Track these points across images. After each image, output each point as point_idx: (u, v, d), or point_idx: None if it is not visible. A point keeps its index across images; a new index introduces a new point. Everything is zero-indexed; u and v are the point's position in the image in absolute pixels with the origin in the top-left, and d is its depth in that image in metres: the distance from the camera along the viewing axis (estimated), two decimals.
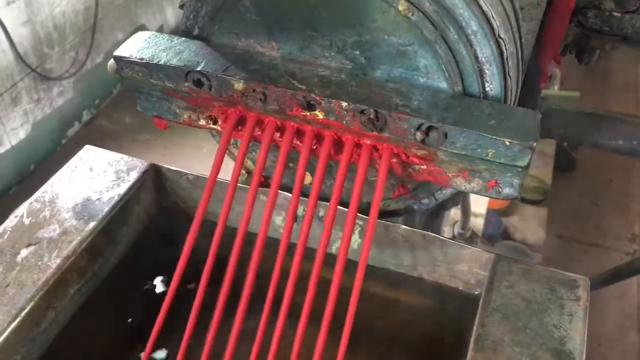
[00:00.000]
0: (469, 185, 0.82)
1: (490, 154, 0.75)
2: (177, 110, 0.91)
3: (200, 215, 0.86)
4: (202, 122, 0.91)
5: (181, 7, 0.91)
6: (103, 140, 2.96)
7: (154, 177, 1.06)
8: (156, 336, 0.89)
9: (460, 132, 0.74)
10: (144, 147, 3.00)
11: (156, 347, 0.91)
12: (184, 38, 0.89)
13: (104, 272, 0.98)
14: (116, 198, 0.99)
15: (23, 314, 0.84)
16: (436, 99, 0.78)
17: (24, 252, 0.90)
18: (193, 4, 0.87)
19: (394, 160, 0.82)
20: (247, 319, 0.84)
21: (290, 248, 0.83)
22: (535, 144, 0.73)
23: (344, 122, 0.79)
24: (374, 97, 0.79)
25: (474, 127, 0.74)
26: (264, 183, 0.99)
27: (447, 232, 2.08)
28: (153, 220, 1.07)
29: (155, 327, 0.89)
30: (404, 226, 0.95)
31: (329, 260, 0.82)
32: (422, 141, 0.76)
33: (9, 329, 0.82)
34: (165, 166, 1.07)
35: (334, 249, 0.98)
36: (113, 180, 1.02)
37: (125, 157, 1.06)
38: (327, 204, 0.82)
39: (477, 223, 2.25)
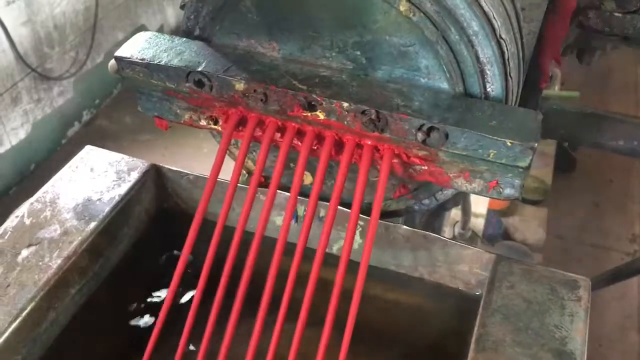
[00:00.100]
0: (470, 186, 0.82)
1: (492, 154, 0.75)
2: (178, 111, 0.91)
3: (200, 216, 0.86)
4: (203, 122, 0.91)
5: (182, 7, 0.91)
6: (103, 140, 2.96)
7: (154, 177, 1.06)
8: (157, 336, 0.89)
9: (462, 132, 0.74)
10: (144, 148, 3.00)
11: (156, 346, 0.91)
12: (184, 38, 0.89)
13: (105, 272, 0.98)
14: (117, 198, 0.99)
15: (24, 314, 0.84)
16: (437, 100, 0.78)
17: (24, 253, 0.90)
18: (194, 4, 0.87)
19: (395, 160, 0.82)
20: (248, 319, 0.84)
21: (291, 249, 0.83)
22: (536, 144, 0.73)
23: (345, 122, 0.79)
24: (375, 98, 0.79)
25: (475, 127, 0.74)
26: (264, 183, 0.99)
27: (447, 232, 2.07)
28: (154, 221, 1.07)
29: (155, 327, 0.89)
30: (404, 226, 0.95)
31: (328, 260, 0.82)
32: (424, 142, 0.76)
33: (10, 329, 0.82)
34: (166, 166, 1.07)
35: (334, 249, 0.98)
36: (114, 181, 1.02)
37: (126, 157, 1.07)
38: (328, 204, 0.82)
39: (478, 223, 2.25)
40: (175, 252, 1.08)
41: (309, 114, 0.80)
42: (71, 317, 0.92)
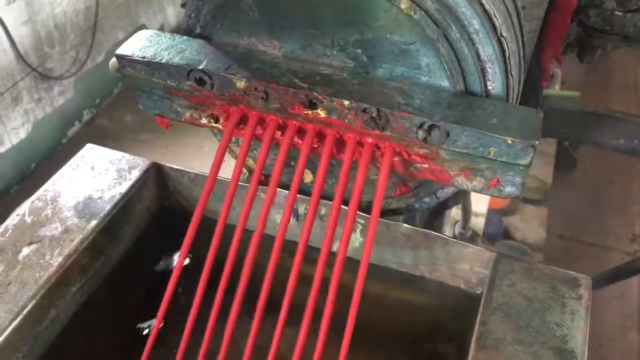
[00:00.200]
0: (470, 184, 0.82)
1: (492, 152, 0.75)
2: (179, 109, 0.91)
3: (199, 214, 0.86)
4: (204, 120, 0.91)
5: (183, 5, 0.91)
6: (104, 139, 2.96)
7: (155, 175, 1.06)
8: (156, 334, 0.89)
9: (462, 130, 0.74)
10: (145, 147, 3.00)
11: (156, 345, 0.91)
12: (185, 37, 0.89)
13: (106, 270, 0.98)
14: (118, 196, 0.99)
15: (25, 312, 0.84)
16: (438, 98, 0.78)
17: (25, 251, 0.90)
18: (195, 2, 0.87)
19: (396, 158, 0.82)
20: (248, 319, 0.84)
21: (291, 247, 0.83)
22: (537, 142, 0.73)
23: (346, 120, 0.79)
24: (376, 96, 0.79)
25: (475, 125, 0.74)
26: (264, 181, 0.99)
27: (447, 231, 2.08)
28: (155, 219, 1.08)
29: (154, 327, 0.89)
30: (405, 225, 0.95)
31: (329, 259, 0.82)
32: (424, 140, 0.76)
33: (11, 327, 0.82)
34: (167, 164, 1.07)
35: (335, 248, 0.98)
36: (115, 179, 1.02)
37: (126, 155, 1.07)
38: (329, 202, 0.82)
39: (478, 222, 2.25)
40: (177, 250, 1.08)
41: (310, 112, 0.80)
42: (72, 315, 0.92)
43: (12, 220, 0.95)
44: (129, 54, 0.86)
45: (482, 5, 0.76)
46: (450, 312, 0.99)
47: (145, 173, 1.04)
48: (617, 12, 1.17)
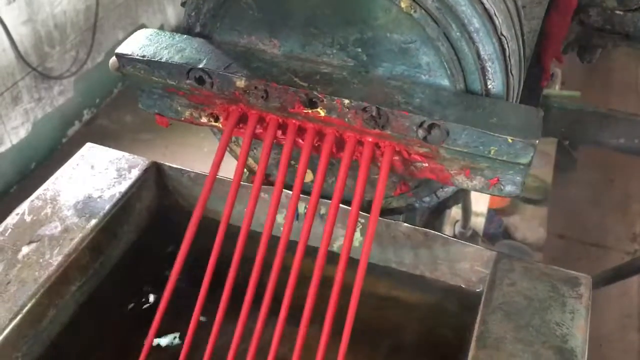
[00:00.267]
0: (470, 183, 0.82)
1: (492, 151, 0.75)
2: (179, 108, 0.91)
3: (198, 213, 0.86)
4: (204, 119, 0.91)
5: (183, 4, 0.91)
6: (103, 139, 2.95)
7: (155, 175, 1.06)
8: (154, 334, 0.89)
9: (462, 129, 0.74)
10: (145, 147, 2.99)
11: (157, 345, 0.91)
12: (185, 35, 0.89)
13: (106, 270, 0.98)
14: (117, 196, 0.99)
15: (24, 311, 0.84)
16: (438, 97, 0.78)
17: (25, 250, 0.90)
18: (195, 1, 0.87)
19: (396, 157, 0.82)
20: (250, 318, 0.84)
21: (291, 246, 0.83)
22: (537, 141, 0.73)
23: (346, 119, 0.79)
24: (376, 95, 0.79)
25: (476, 124, 0.74)
26: (265, 181, 0.98)
27: (447, 231, 2.07)
28: (154, 218, 1.07)
29: (152, 326, 0.89)
30: (405, 224, 0.95)
31: (328, 257, 0.82)
32: (424, 139, 0.76)
33: (10, 326, 0.82)
34: (167, 164, 1.07)
35: (334, 247, 0.98)
36: (114, 178, 1.02)
37: (126, 154, 1.06)
38: (329, 201, 0.82)
39: (478, 222, 2.25)
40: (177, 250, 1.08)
41: (310, 111, 0.80)
42: (72, 314, 0.92)
43: (12, 219, 0.95)
44: (129, 53, 0.85)
45: (482, 4, 0.76)
46: (450, 312, 0.99)
47: (145, 172, 1.04)
48: (617, 12, 1.17)
